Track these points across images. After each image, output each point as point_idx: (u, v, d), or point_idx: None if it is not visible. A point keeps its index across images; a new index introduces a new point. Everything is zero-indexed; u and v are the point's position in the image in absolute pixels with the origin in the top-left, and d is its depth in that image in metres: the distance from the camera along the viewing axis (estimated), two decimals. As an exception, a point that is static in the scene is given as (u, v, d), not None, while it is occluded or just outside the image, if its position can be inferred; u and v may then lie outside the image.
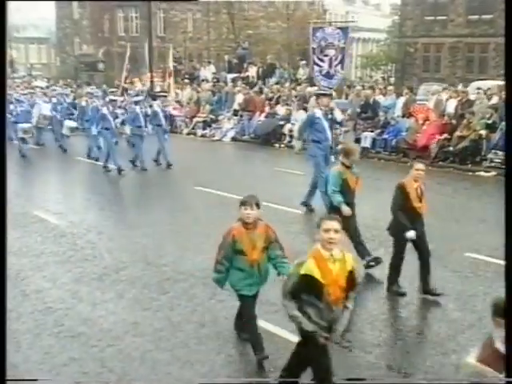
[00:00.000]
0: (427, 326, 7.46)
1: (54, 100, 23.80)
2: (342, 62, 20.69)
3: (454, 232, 10.57)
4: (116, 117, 18.32)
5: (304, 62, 31.47)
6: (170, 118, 23.74)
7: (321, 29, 21.40)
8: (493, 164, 17.21)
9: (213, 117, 26.73)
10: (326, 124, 12.86)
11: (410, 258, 8.37)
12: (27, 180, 17.69)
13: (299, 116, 23.04)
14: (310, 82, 26.91)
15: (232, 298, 8.08)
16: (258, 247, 6.30)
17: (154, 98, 22.64)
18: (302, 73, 29.63)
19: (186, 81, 31.55)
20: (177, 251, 10.34)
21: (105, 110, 18.38)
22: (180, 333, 7.21)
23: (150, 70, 33.12)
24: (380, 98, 21.89)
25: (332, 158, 12.74)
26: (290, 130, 22.80)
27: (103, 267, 9.49)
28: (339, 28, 21.38)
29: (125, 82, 30.05)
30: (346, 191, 9.06)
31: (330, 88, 19.67)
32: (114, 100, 20.03)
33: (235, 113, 26.03)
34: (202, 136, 25.82)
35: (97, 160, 19.40)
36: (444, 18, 37.56)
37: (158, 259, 9.85)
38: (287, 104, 24.29)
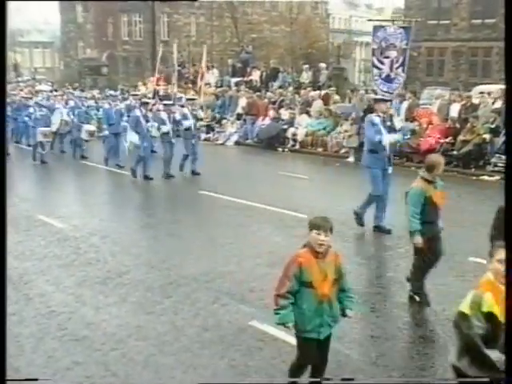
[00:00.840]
0: (430, 330, 7.43)
1: (72, 104, 23.15)
2: (403, 64, 19.34)
3: (458, 236, 10.53)
4: (147, 120, 17.19)
5: (307, 65, 31.50)
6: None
7: (382, 28, 19.93)
8: (496, 168, 17.18)
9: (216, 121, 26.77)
10: (384, 132, 11.41)
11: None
12: (35, 185, 17.74)
13: (302, 120, 23.12)
14: (313, 85, 26.95)
15: (235, 302, 8.14)
16: (329, 279, 5.33)
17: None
18: (305, 77, 29.64)
19: (190, 85, 31.52)
20: (180, 255, 10.34)
21: (138, 113, 17.39)
22: (183, 337, 7.19)
23: (154, 73, 33.16)
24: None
25: (389, 170, 11.57)
26: (294, 134, 22.83)
27: (106, 271, 9.49)
28: (402, 27, 19.97)
29: (157, 84, 28.39)
30: (430, 210, 7.86)
31: (390, 93, 18.47)
32: (147, 103, 18.80)
33: (238, 117, 26.06)
34: (206, 140, 25.78)
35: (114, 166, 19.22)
36: (447, 22, 37.61)
37: (162, 263, 9.85)
38: (290, 108, 24.30)
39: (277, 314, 5.34)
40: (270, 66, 33.00)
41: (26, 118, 21.37)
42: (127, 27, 58.67)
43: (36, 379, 5.95)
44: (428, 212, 7.85)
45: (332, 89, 24.93)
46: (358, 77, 60.48)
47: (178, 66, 36.64)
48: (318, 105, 23.31)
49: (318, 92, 24.74)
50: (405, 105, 21.11)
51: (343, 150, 20.71)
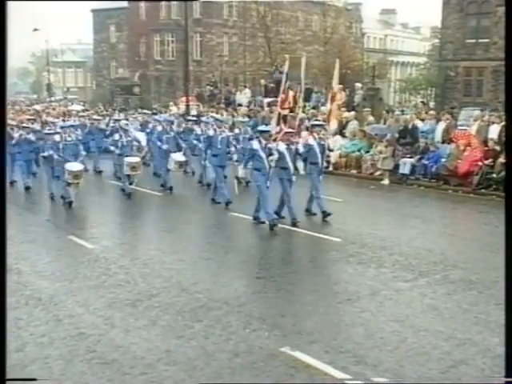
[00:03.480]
0: (471, 362, 7.14)
1: (160, 128, 19.81)
2: None
3: (498, 262, 10.22)
4: (270, 154, 13.54)
5: (341, 86, 31.30)
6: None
7: None
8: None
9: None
10: None
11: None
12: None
13: (336, 141, 22.89)
14: (348, 106, 26.72)
15: (266, 327, 7.94)
16: None
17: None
18: (338, 97, 29.44)
19: (222, 105, 31.58)
20: (211, 278, 10.19)
21: (256, 145, 13.76)
22: (214, 362, 7.02)
23: (186, 93, 33.29)
24: (419, 123, 21.49)
25: None
26: (327, 156, 22.57)
27: (136, 293, 9.38)
28: None
29: (281, 108, 24.41)
30: None
31: None
32: (267, 131, 14.60)
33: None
34: (237, 161, 25.51)
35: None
36: (486, 40, 36.97)
37: (192, 286, 9.70)
38: (324, 129, 24.04)
39: None
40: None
41: (112, 148, 17.78)
42: (160, 47, 59.24)
43: (35, 379, 5.85)
44: None
45: (367, 109, 24.66)
46: (393, 97, 60.18)
47: (210, 86, 36.87)
48: (352, 126, 23.08)
49: (352, 113, 24.50)
50: (441, 126, 20.73)
51: (378, 172, 20.40)
